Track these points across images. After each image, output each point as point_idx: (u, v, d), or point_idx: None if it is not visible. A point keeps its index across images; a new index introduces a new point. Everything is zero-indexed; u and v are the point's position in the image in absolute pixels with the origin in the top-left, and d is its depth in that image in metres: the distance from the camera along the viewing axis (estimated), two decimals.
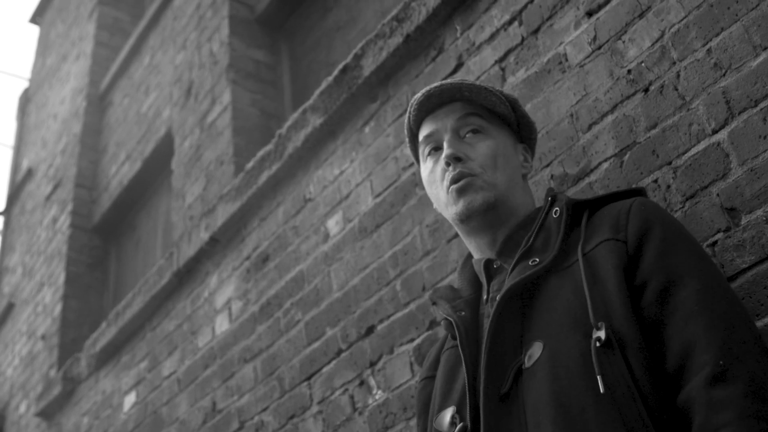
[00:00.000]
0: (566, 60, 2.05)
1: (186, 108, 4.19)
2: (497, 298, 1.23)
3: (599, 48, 1.97)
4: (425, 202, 2.33)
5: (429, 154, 1.46)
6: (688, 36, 1.76)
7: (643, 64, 1.85)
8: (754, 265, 1.49)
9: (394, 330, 2.28)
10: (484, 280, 1.38)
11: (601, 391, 1.04)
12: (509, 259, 1.34)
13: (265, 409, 2.68)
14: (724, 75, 1.66)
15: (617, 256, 1.19)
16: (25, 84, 8.71)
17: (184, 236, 3.49)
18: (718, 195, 1.59)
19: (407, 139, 1.56)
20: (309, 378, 2.54)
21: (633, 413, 1.04)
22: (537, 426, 1.08)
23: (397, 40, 2.59)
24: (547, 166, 2.00)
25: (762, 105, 1.56)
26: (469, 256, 1.50)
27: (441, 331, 2.11)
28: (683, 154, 1.69)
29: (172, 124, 4.37)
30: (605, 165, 1.85)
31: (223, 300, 3.13)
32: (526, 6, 2.22)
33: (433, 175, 1.45)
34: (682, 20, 1.78)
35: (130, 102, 5.49)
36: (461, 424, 1.22)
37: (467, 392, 1.22)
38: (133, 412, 3.52)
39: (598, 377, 1.05)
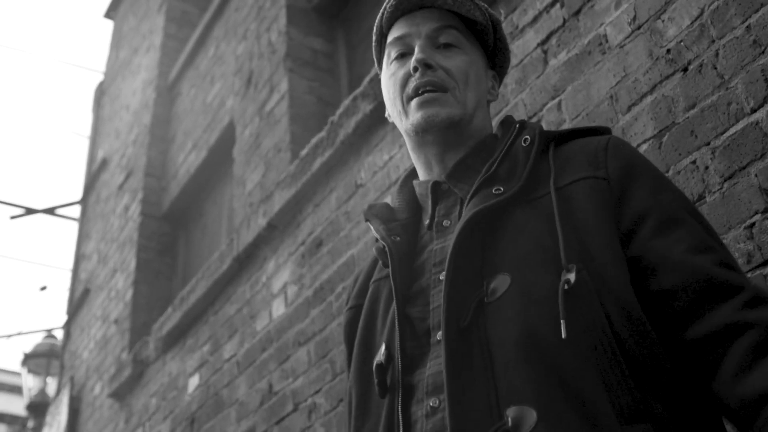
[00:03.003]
0: (606, 41, 2.03)
1: (246, 97, 4.27)
2: (460, 223, 1.11)
3: (639, 28, 1.94)
4: None
5: (396, 58, 1.30)
6: (727, 13, 1.73)
7: (682, 43, 1.82)
8: None
9: None
10: (429, 202, 1.25)
11: (563, 336, 0.97)
12: (461, 184, 1.22)
13: (317, 392, 2.75)
14: (763, 52, 1.62)
15: (600, 195, 1.10)
16: (101, 77, 9.01)
17: (244, 223, 3.58)
18: (756, 175, 1.56)
19: (374, 39, 1.40)
20: None
21: (608, 362, 0.97)
22: (505, 364, 0.99)
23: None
24: None
25: None
26: (411, 174, 1.38)
27: None
28: (722, 134, 1.66)
29: (234, 113, 4.47)
30: (644, 147, 1.83)
31: (279, 285, 3.20)
32: None
33: (395, 78, 1.29)
34: None
35: (196, 92, 5.62)
36: (390, 360, 1.13)
37: (396, 326, 1.12)
38: (196, 394, 3.64)
39: (562, 321, 0.97)
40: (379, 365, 1.12)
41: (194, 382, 3.70)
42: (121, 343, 4.94)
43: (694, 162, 1.70)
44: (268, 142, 3.78)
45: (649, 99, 1.86)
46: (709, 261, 1.02)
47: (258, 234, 3.38)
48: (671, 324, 1.01)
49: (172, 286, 5.19)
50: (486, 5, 1.36)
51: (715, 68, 1.71)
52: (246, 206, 3.78)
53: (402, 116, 1.28)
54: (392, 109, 1.32)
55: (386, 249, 1.20)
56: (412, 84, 1.25)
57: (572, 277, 1.01)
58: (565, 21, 2.19)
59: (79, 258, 7.01)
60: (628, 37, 1.97)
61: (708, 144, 1.68)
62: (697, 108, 1.73)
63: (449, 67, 1.26)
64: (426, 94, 1.23)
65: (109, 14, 9.50)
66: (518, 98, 2.27)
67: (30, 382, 8.00)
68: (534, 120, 2.19)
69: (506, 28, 2.40)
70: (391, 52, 1.32)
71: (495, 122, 1.60)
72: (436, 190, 1.25)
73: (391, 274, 1.17)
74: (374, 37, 1.40)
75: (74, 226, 7.78)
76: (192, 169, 5.14)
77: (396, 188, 1.37)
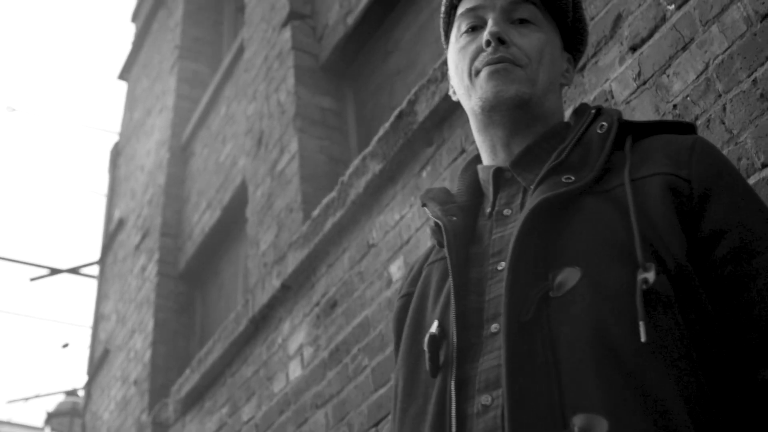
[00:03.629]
0: (612, 97, 2.03)
1: (258, 157, 4.30)
2: (526, 211, 1.02)
3: (644, 83, 1.94)
4: None
5: (466, 31, 1.22)
6: (732, 67, 1.72)
7: (688, 98, 1.81)
8: None
9: None
10: (490, 189, 1.18)
11: (642, 339, 0.89)
12: (525, 173, 1.14)
13: None
14: None
15: (678, 196, 1.01)
16: (116, 138, 9.14)
17: (258, 283, 3.57)
18: None
19: (442, 10, 1.31)
20: (377, 424, 2.55)
21: (688, 374, 0.90)
22: (573, 366, 0.91)
23: (448, 84, 2.61)
24: None
25: None
26: (475, 159, 1.29)
27: None
28: None
29: (246, 173, 4.50)
30: None
31: (295, 346, 3.18)
32: None
33: (464, 53, 1.21)
34: (725, 51, 1.74)
35: (209, 152, 5.67)
36: (444, 335, 1.04)
37: (453, 307, 1.03)
38: None
39: (641, 323, 0.89)
40: (432, 337, 1.04)
41: None
42: (140, 404, 4.92)
43: None
44: (280, 202, 3.80)
45: None
46: None
47: (273, 295, 3.37)
48: (736, 352, 0.95)
49: (190, 345, 5.19)
50: None
51: (724, 123, 1.70)
52: (260, 266, 3.78)
53: (469, 92, 1.20)
54: (459, 85, 1.24)
55: (442, 227, 1.13)
56: (482, 59, 1.17)
57: (651, 276, 0.93)
58: None
59: (99, 318, 7.04)
60: (633, 92, 1.97)
61: None
62: None
63: (523, 44, 1.18)
64: (498, 64, 1.15)
65: (122, 76, 9.67)
66: None
67: None
68: None
69: None
70: (461, 25, 1.24)
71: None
72: (499, 177, 1.18)
73: (446, 250, 1.09)
74: (443, 8, 1.31)
75: (94, 285, 7.84)
76: (207, 228, 5.17)
77: (459, 173, 1.30)
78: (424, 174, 2.70)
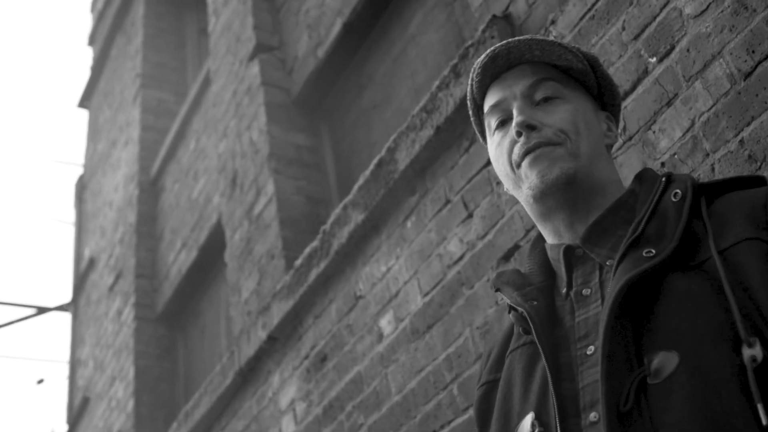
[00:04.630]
0: None
1: (233, 199, 4.24)
2: (613, 292, 1.01)
3: (630, 139, 1.93)
4: (473, 302, 2.31)
5: (497, 127, 1.23)
6: (718, 126, 1.72)
7: (676, 156, 1.80)
8: None
9: None
10: (562, 269, 1.16)
11: (764, 423, 0.86)
12: (597, 249, 1.13)
13: None
14: (759, 168, 1.61)
15: (765, 260, 0.98)
16: (80, 170, 8.97)
17: (243, 334, 3.52)
18: None
19: (470, 112, 1.32)
20: None
21: None
22: None
23: (428, 132, 2.59)
24: None
25: None
26: (540, 237, 1.27)
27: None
28: None
29: (222, 214, 4.43)
30: None
31: (287, 401, 3.14)
32: None
33: (501, 149, 1.21)
34: (710, 108, 1.74)
35: (180, 188, 5.59)
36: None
37: (553, 396, 1.02)
38: None
39: (759, 405, 0.87)
40: None
41: None
42: None
43: None
44: (260, 248, 3.75)
45: None
46: None
47: (259, 347, 3.32)
48: None
49: (175, 391, 5.10)
50: (577, 46, 1.29)
51: None
52: (244, 315, 3.73)
53: (517, 185, 1.20)
54: (507, 182, 1.24)
55: (526, 314, 1.11)
56: (518, 150, 1.17)
57: (757, 352, 0.90)
58: None
59: (75, 364, 6.90)
60: (620, 148, 1.96)
61: None
62: None
63: (554, 122, 1.18)
64: (536, 150, 1.15)
65: (83, 104, 9.48)
66: (514, 210, 2.24)
67: None
68: (533, 234, 2.16)
69: None
70: (491, 122, 1.25)
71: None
72: (569, 255, 1.16)
73: (535, 337, 1.08)
74: (470, 111, 1.33)
75: (65, 320, 7.69)
76: (183, 269, 5.09)
77: (527, 252, 1.29)
78: (408, 224, 2.67)
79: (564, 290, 1.15)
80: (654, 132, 1.87)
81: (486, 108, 1.26)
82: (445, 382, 2.33)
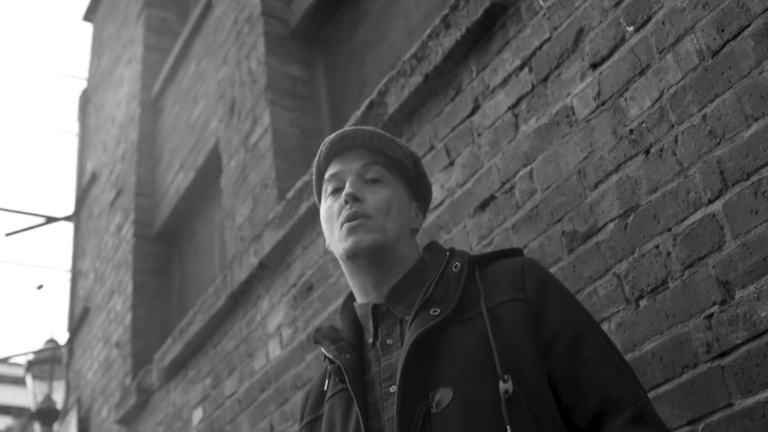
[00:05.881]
0: (573, 113, 2.11)
1: (230, 126, 4.34)
2: (408, 343, 1.31)
3: (603, 104, 2.03)
4: (450, 245, 2.43)
5: (331, 193, 1.52)
6: (684, 99, 1.81)
7: (644, 125, 1.90)
8: (747, 341, 1.56)
9: None
10: (370, 324, 1.45)
11: None
12: (399, 306, 1.42)
13: None
14: (718, 144, 1.71)
15: (522, 315, 1.32)
16: (84, 84, 8.98)
17: (236, 259, 3.67)
18: (714, 267, 1.66)
19: (314, 176, 1.61)
20: None
21: None
22: None
23: (417, 79, 2.67)
24: (558, 221, 2.08)
25: (753, 179, 1.62)
26: (350, 297, 1.57)
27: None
28: (682, 221, 1.75)
29: (219, 140, 4.53)
30: (611, 225, 1.92)
31: (274, 325, 3.31)
32: (534, 52, 2.28)
33: (330, 211, 1.50)
34: (679, 82, 1.83)
35: (180, 109, 5.67)
36: None
37: (362, 426, 1.31)
38: (201, 428, 3.76)
39: (508, 427, 1.18)
40: None
41: (198, 415, 3.82)
42: (123, 367, 5.05)
43: (657, 247, 1.79)
44: (255, 176, 3.86)
45: (614, 178, 1.94)
46: (610, 376, 1.27)
47: (251, 273, 3.47)
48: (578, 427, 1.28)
49: (169, 308, 5.30)
50: (406, 145, 1.60)
51: (675, 154, 1.80)
52: (237, 240, 3.87)
53: (339, 242, 1.46)
54: (330, 239, 1.52)
55: (341, 367, 1.38)
56: (343, 214, 1.46)
57: (509, 387, 1.22)
58: (533, 86, 2.26)
59: (76, 274, 7.09)
60: (593, 111, 2.05)
61: (669, 230, 1.77)
62: (659, 192, 1.82)
63: (373, 199, 1.47)
64: (354, 221, 1.44)
65: (87, 17, 9.45)
66: (492, 162, 2.35)
67: (35, 389, 8.14)
68: (508, 186, 2.28)
69: (477, 86, 2.47)
70: (327, 188, 1.54)
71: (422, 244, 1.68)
72: (376, 312, 1.44)
73: (350, 388, 1.35)
74: (314, 176, 1.61)
75: (64, 228, 7.82)
76: (181, 189, 5.22)
77: (339, 311, 1.56)
78: None
79: (371, 340, 1.44)
80: (626, 99, 1.97)
81: (327, 175, 1.55)
82: None
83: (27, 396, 8.05)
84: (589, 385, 1.27)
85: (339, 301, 2.91)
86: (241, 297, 3.62)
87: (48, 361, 7.98)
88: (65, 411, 6.52)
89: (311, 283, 3.11)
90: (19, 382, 15.67)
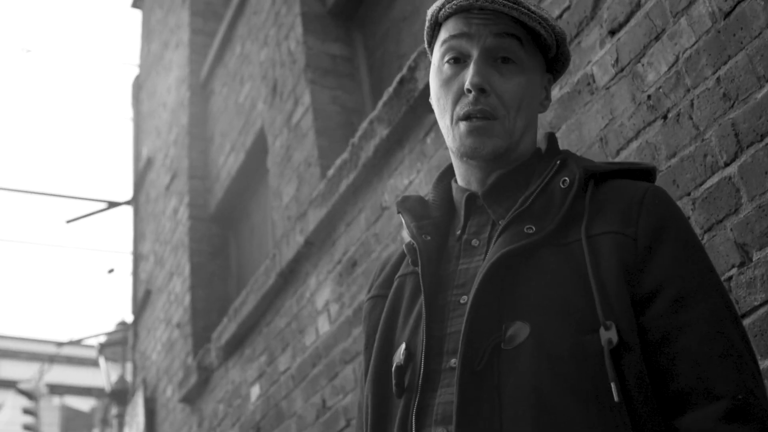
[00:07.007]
0: (593, 81, 2.12)
1: (273, 106, 4.43)
2: (489, 260, 1.11)
3: (621, 70, 2.04)
4: None
5: (448, 61, 1.26)
6: (699, 63, 1.81)
7: (661, 90, 1.91)
8: (764, 303, 1.58)
9: None
10: (462, 213, 1.26)
11: (616, 399, 0.98)
12: (495, 206, 1.23)
13: None
14: (732, 106, 1.71)
15: (623, 255, 1.08)
16: (136, 71, 9.20)
17: (284, 238, 3.77)
18: (731, 230, 1.67)
19: (427, 24, 1.32)
20: None
21: (620, 425, 0.99)
22: (514, 417, 1.01)
23: None
24: None
25: (767, 140, 1.62)
26: (449, 171, 1.36)
27: None
28: (700, 185, 1.76)
29: (264, 120, 4.63)
30: None
31: (322, 302, 3.40)
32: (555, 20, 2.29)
33: (446, 89, 1.25)
34: (693, 45, 1.83)
35: (228, 91, 5.78)
36: (409, 360, 1.15)
37: (423, 334, 1.13)
38: (259, 404, 3.91)
39: (612, 384, 0.98)
40: (399, 367, 1.14)
41: (255, 391, 3.96)
42: (185, 347, 5.24)
43: None
44: (298, 155, 3.95)
45: (634, 144, 1.96)
46: (714, 352, 1.02)
47: (298, 251, 3.57)
48: (661, 400, 1.03)
49: (227, 287, 5.45)
50: (554, 18, 1.30)
51: (692, 119, 1.81)
52: (284, 219, 3.97)
53: (449, 132, 1.26)
54: (440, 119, 1.29)
55: (416, 248, 1.21)
56: (463, 106, 1.22)
57: (614, 336, 1.01)
58: None
59: (138, 258, 7.33)
60: (612, 79, 2.06)
61: (689, 194, 1.79)
62: (678, 157, 1.83)
63: (503, 92, 1.22)
64: (476, 121, 1.21)
65: (136, 4, 9.65)
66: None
67: (109, 371, 8.47)
68: None
69: None
70: (445, 53, 1.27)
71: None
72: (471, 204, 1.26)
73: (421, 280, 1.18)
74: (428, 22, 1.33)
75: (128, 213, 8.06)
76: (233, 171, 5.34)
77: (434, 182, 1.37)
78: (428, 140, 2.83)
79: (458, 232, 1.25)
80: (643, 65, 1.97)
81: (446, 33, 1.27)
82: None
83: (101, 377, 8.38)
84: (683, 359, 1.02)
85: None
86: (290, 275, 3.72)
87: (120, 343, 8.30)
88: (132, 391, 6.78)
89: (355, 260, 3.19)
90: (90, 363, 16.27)
